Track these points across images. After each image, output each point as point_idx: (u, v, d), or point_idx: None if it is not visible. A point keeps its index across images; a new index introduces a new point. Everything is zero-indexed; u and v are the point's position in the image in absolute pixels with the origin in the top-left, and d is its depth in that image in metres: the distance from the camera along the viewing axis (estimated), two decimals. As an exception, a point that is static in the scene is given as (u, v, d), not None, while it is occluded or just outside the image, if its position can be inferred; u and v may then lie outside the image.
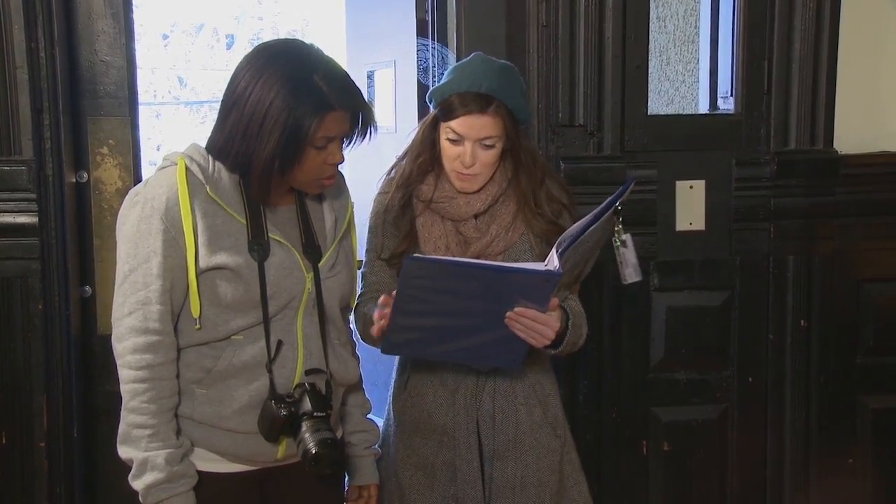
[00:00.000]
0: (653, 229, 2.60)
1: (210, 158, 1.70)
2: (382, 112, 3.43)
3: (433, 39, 2.70)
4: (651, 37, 2.68)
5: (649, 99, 2.64)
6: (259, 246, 1.69)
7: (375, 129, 1.74)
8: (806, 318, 2.68)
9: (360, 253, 2.01)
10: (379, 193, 2.05)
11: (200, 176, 1.67)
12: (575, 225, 1.80)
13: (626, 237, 2.00)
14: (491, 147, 1.92)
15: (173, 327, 1.69)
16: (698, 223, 2.64)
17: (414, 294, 1.72)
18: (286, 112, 1.62)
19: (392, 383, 2.10)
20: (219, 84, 1.99)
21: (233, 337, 1.70)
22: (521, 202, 1.98)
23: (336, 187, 1.84)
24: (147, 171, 1.87)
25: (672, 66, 3.27)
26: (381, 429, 2.06)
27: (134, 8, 2.50)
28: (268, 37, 4.92)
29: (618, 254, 2.03)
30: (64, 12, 2.40)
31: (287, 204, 1.79)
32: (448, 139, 1.93)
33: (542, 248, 1.94)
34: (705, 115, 2.83)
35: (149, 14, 8.23)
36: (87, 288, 2.48)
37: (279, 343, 1.71)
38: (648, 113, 2.63)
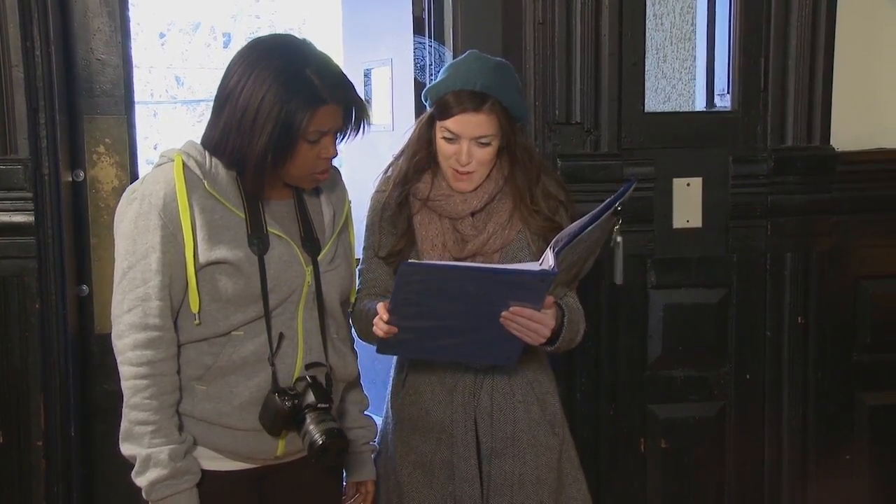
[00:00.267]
0: (650, 227, 2.60)
1: (206, 154, 1.70)
2: (379, 110, 3.43)
3: (430, 37, 2.70)
4: (648, 34, 2.68)
5: (646, 96, 2.64)
6: (259, 239, 1.69)
7: (369, 124, 1.74)
8: (803, 314, 2.69)
9: (358, 251, 2.01)
10: (376, 192, 2.05)
11: (198, 171, 1.67)
12: (573, 224, 1.80)
13: (619, 240, 2.00)
14: (487, 145, 1.91)
15: (173, 324, 1.69)
16: (695, 220, 2.64)
17: (409, 298, 1.72)
18: (278, 106, 1.62)
19: (390, 381, 2.10)
20: (216, 83, 1.99)
21: (233, 333, 1.71)
22: (518, 199, 1.98)
23: (332, 181, 1.85)
24: (144, 170, 1.87)
25: (669, 64, 3.27)
26: (379, 426, 2.06)
27: (130, 6, 2.50)
28: (265, 35, 4.90)
29: (614, 254, 2.03)
30: (60, 11, 2.39)
31: (285, 198, 1.79)
32: (444, 138, 1.93)
33: (539, 245, 1.94)
34: (702, 112, 2.84)
35: (146, 13, 8.23)
36: (84, 287, 2.48)
37: (280, 336, 1.71)
38: (645, 110, 2.64)
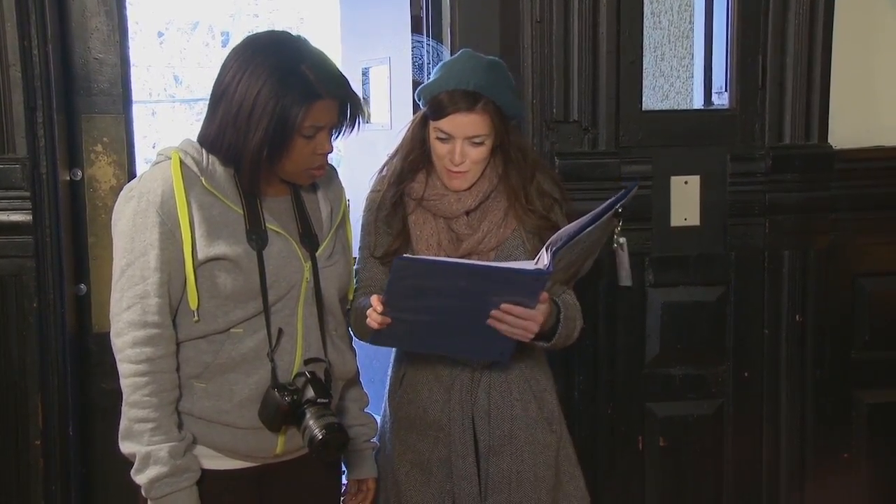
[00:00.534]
0: (648, 225, 2.60)
1: (203, 151, 1.71)
2: (377, 109, 3.44)
3: (428, 36, 2.71)
4: (645, 32, 2.67)
5: (644, 94, 2.64)
6: (257, 235, 1.70)
7: (364, 120, 1.75)
8: (801, 312, 2.69)
9: (355, 250, 2.01)
10: (371, 191, 2.05)
11: (195, 168, 1.67)
12: (572, 224, 1.79)
13: (623, 241, 2.00)
14: (480, 144, 1.91)
15: (172, 321, 1.69)
16: (693, 218, 2.64)
17: (403, 292, 1.72)
18: (274, 101, 1.62)
19: (388, 380, 2.10)
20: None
21: (232, 330, 1.71)
22: (512, 198, 1.98)
23: (328, 178, 1.85)
24: (142, 169, 1.87)
25: (666, 62, 3.27)
26: (378, 425, 2.06)
27: (128, 5, 2.50)
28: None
29: (616, 255, 2.03)
30: (57, 10, 2.39)
31: (282, 195, 1.79)
32: (437, 137, 1.93)
33: (535, 244, 1.94)
34: (700, 110, 2.83)
35: (144, 12, 8.23)
36: (82, 286, 2.48)
37: (279, 332, 1.71)
38: (643, 108, 2.63)
